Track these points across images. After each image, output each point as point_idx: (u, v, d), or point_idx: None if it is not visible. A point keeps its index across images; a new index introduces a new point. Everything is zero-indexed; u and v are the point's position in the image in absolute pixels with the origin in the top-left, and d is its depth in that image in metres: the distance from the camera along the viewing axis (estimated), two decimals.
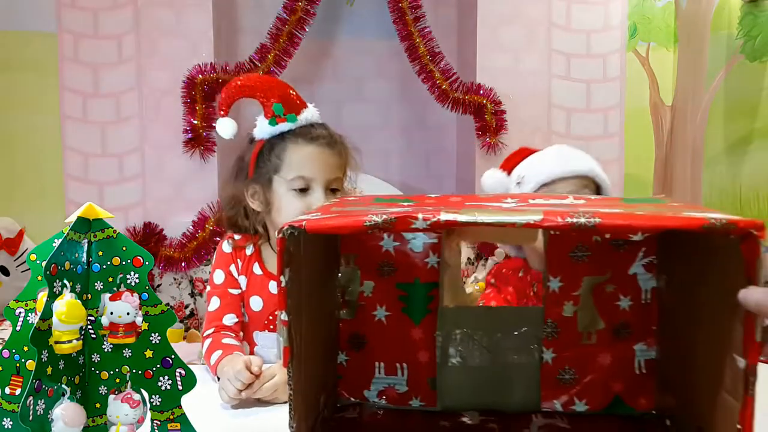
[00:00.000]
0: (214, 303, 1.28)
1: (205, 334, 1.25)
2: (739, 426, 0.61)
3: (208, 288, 1.33)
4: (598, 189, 1.38)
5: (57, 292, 0.66)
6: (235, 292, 1.28)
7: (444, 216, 0.60)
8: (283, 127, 1.30)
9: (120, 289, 0.70)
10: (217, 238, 2.36)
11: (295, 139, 1.30)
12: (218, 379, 1.11)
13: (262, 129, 1.32)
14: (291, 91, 1.34)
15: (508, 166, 1.45)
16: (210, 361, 1.16)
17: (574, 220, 0.59)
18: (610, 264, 0.87)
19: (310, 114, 1.33)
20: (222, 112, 1.34)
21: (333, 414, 0.88)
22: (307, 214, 0.66)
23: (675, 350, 0.84)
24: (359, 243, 0.89)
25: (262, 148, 1.32)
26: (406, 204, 0.72)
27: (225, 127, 1.35)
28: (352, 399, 0.91)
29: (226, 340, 1.21)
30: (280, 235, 0.61)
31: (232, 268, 1.29)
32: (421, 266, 0.89)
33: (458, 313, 0.92)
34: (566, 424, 0.86)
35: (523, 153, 1.45)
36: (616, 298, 0.87)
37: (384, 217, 0.61)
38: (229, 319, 1.26)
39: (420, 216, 0.60)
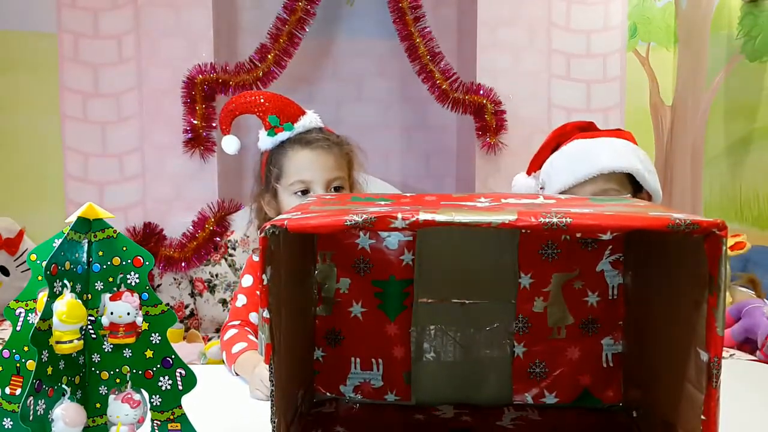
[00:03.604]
0: (242, 300, 1.33)
1: (229, 324, 1.30)
2: (703, 417, 0.63)
3: (236, 290, 1.39)
4: (634, 182, 1.30)
5: (57, 292, 0.66)
6: None
7: (422, 216, 0.62)
8: (282, 136, 1.36)
9: (120, 289, 0.71)
10: (218, 239, 2.36)
11: (292, 145, 1.36)
12: (233, 371, 1.17)
13: (264, 141, 1.39)
14: (286, 101, 1.40)
15: (534, 166, 1.44)
16: (231, 350, 1.20)
17: (547, 219, 0.61)
18: (578, 261, 0.90)
19: (308, 120, 1.39)
20: (224, 130, 1.42)
21: (309, 409, 0.89)
22: (287, 214, 0.66)
23: (640, 344, 0.87)
24: (336, 241, 0.90)
25: (267, 159, 1.39)
26: (383, 203, 0.73)
27: (229, 144, 1.45)
28: (328, 394, 0.93)
29: (251, 337, 1.26)
30: (262, 234, 0.62)
31: None
32: (396, 263, 0.91)
33: (432, 309, 0.94)
34: (537, 417, 0.89)
35: (546, 150, 1.43)
36: (585, 294, 0.91)
37: (364, 216, 0.62)
38: (254, 317, 1.30)
39: (399, 216, 0.62)
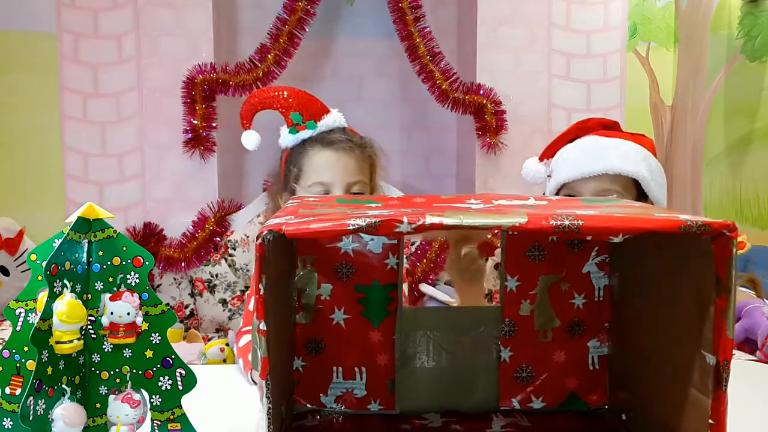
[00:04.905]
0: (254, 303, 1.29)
1: (243, 330, 1.25)
2: (711, 421, 0.62)
3: (249, 291, 1.36)
4: (639, 188, 1.30)
5: (57, 292, 0.66)
6: None
7: (429, 219, 0.60)
8: (304, 134, 1.33)
9: (120, 289, 0.70)
10: (218, 239, 2.36)
11: (313, 145, 1.33)
12: (250, 378, 1.12)
13: (285, 138, 1.36)
14: (310, 98, 1.37)
15: (547, 154, 1.43)
16: (249, 357, 1.13)
17: (558, 222, 0.60)
18: (564, 263, 0.88)
19: (331, 119, 1.36)
20: (245, 125, 1.39)
21: (291, 422, 0.86)
22: (278, 218, 0.64)
23: (628, 346, 0.85)
24: (317, 245, 0.87)
25: (287, 157, 1.35)
26: (373, 206, 0.72)
27: (249, 140, 1.41)
28: (309, 405, 0.89)
29: None
30: (260, 241, 0.60)
31: None
32: (380, 268, 0.88)
33: (417, 314, 0.92)
34: (526, 422, 0.87)
35: (563, 140, 1.42)
36: (571, 296, 0.89)
37: (368, 221, 0.60)
38: None
39: (405, 219, 0.60)
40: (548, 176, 1.38)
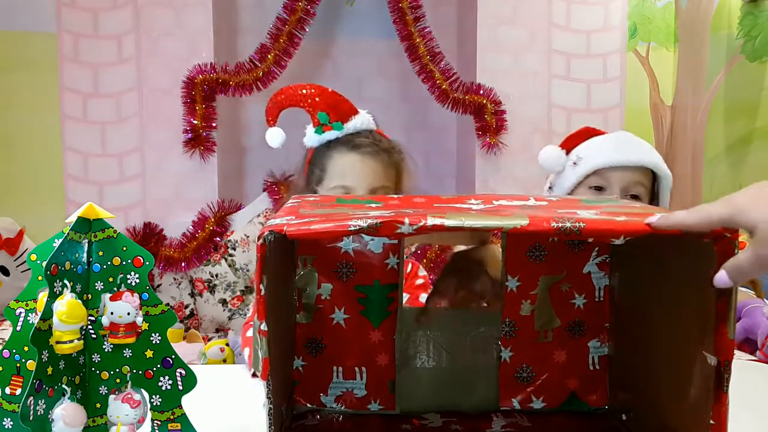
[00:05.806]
0: None
1: (251, 322, 1.22)
2: (712, 422, 0.62)
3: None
4: (654, 180, 1.38)
5: (57, 292, 0.66)
6: None
7: (431, 221, 0.60)
8: (330, 135, 1.29)
9: (120, 289, 0.70)
10: (218, 239, 2.36)
11: (339, 147, 1.29)
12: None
13: (310, 138, 1.32)
14: (338, 98, 1.32)
15: (569, 144, 1.44)
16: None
17: (560, 224, 0.60)
18: (565, 263, 0.88)
19: (359, 121, 1.31)
20: (270, 122, 1.34)
21: (291, 422, 0.86)
22: (278, 218, 0.64)
23: (629, 347, 0.85)
24: (317, 245, 0.86)
25: (311, 157, 1.32)
26: (374, 206, 0.72)
27: (274, 137, 1.35)
28: (309, 405, 0.89)
29: None
30: (261, 241, 0.60)
31: None
32: (381, 267, 0.88)
33: (417, 314, 0.91)
34: (527, 422, 0.87)
35: (585, 134, 1.44)
36: (571, 296, 0.89)
37: (369, 222, 0.60)
38: None
39: (406, 220, 0.60)
40: (573, 163, 1.38)
